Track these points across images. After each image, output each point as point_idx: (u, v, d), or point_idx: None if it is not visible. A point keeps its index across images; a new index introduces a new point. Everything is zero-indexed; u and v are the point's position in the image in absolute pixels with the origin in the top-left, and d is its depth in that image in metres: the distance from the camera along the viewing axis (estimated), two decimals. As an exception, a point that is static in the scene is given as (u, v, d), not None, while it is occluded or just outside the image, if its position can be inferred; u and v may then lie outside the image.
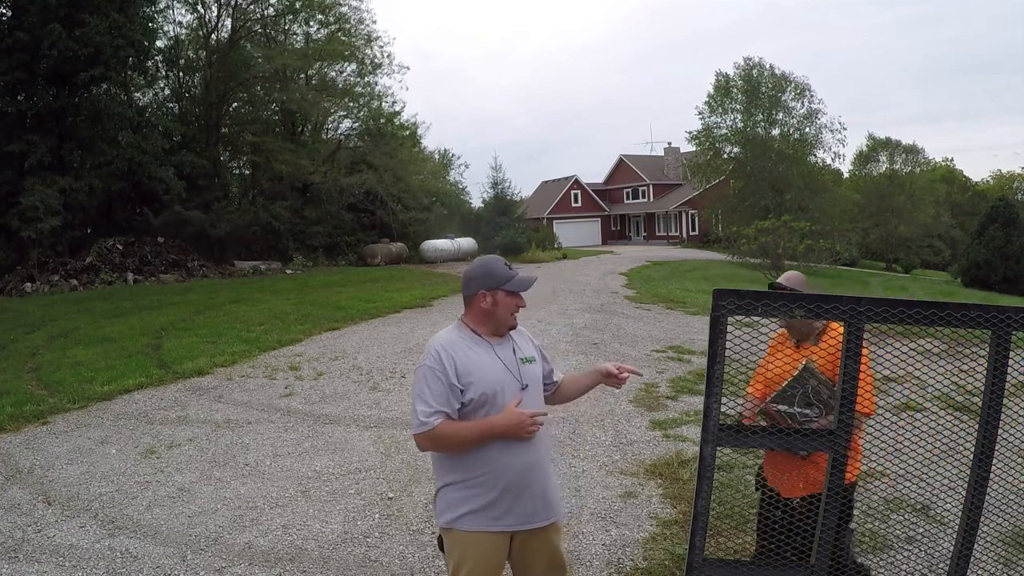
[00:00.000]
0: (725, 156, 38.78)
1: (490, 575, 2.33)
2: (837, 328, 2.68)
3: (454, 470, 2.33)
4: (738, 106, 37.59)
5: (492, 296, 2.35)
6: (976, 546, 2.08)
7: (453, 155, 42.80)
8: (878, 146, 49.71)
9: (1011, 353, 2.01)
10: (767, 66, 37.36)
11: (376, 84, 28.89)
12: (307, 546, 3.90)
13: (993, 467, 2.04)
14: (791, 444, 2.28)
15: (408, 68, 35.31)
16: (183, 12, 25.21)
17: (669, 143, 50.42)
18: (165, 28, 24.32)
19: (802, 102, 36.96)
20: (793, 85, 36.81)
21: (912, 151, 49.04)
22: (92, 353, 9.48)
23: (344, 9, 26.92)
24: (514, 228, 31.26)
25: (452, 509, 2.32)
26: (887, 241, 45.52)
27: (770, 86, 36.87)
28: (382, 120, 29.59)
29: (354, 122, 29.82)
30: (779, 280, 2.99)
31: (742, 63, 37.95)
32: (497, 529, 2.31)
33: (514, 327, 2.44)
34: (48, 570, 3.68)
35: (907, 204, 45.18)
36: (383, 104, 29.36)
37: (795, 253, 20.48)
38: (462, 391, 2.26)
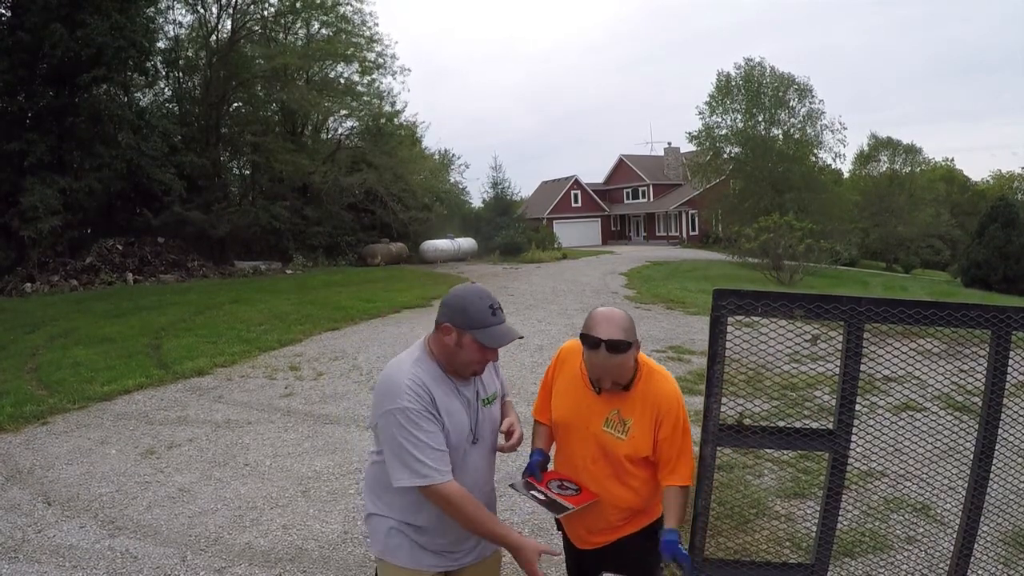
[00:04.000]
0: (725, 156, 38.77)
1: None
2: (661, 384, 2.21)
3: (397, 509, 2.01)
4: (739, 106, 37.59)
5: (458, 336, 1.91)
6: (976, 546, 2.08)
7: (453, 155, 42.73)
8: (879, 146, 49.74)
9: (1011, 353, 2.01)
10: (768, 67, 37.41)
11: (379, 83, 28.92)
12: (307, 546, 3.90)
13: (993, 467, 2.05)
14: (792, 444, 2.29)
15: (410, 70, 35.36)
16: (183, 12, 25.26)
17: (669, 143, 50.52)
18: (165, 28, 24.34)
19: (804, 103, 36.99)
20: (795, 86, 36.81)
21: (912, 151, 49.09)
22: (92, 353, 9.47)
23: (346, 10, 26.96)
24: (514, 228, 31.29)
25: (388, 541, 2.04)
26: (887, 241, 45.51)
27: (772, 86, 36.85)
28: (382, 120, 29.59)
29: (355, 122, 29.87)
30: (591, 331, 2.06)
31: (743, 63, 38.02)
32: (428, 568, 2.06)
33: (476, 374, 2.01)
34: (48, 570, 3.68)
35: (907, 204, 45.18)
36: (384, 104, 29.36)
37: (795, 253, 20.50)
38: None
